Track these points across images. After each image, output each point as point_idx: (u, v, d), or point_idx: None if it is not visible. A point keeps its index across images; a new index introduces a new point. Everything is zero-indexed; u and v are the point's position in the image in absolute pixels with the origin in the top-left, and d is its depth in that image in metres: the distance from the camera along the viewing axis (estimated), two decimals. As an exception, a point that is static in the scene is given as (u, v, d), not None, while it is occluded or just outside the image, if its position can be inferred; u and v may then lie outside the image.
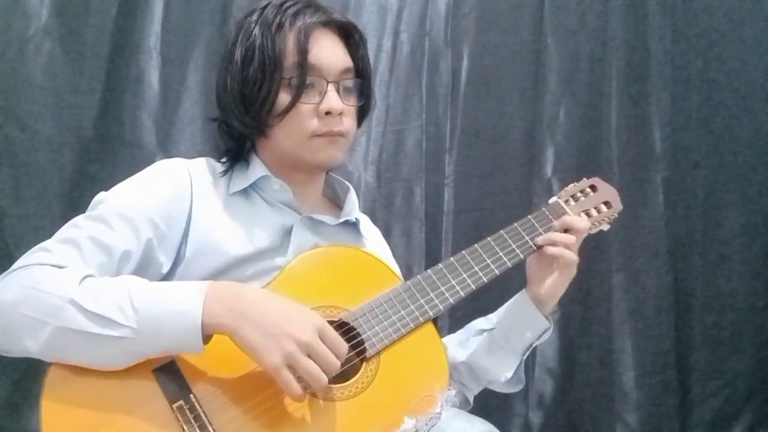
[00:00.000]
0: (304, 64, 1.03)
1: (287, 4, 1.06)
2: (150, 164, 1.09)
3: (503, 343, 1.16)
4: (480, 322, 1.22)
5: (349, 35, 1.11)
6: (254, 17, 1.07)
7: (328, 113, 1.05)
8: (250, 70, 1.04)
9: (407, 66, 1.98)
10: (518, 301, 1.18)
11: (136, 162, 1.69)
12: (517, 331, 1.16)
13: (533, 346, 1.17)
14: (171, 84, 1.83)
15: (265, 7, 1.07)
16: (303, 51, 1.03)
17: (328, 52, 1.06)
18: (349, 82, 1.09)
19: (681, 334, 1.96)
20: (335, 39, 1.09)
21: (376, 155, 1.96)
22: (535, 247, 1.13)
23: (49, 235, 0.96)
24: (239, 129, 1.08)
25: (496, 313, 1.21)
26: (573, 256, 1.12)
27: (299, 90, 1.03)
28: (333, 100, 1.05)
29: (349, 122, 1.09)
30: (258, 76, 1.03)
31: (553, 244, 1.12)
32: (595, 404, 1.95)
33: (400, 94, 1.97)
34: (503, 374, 1.15)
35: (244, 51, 1.05)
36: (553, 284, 1.13)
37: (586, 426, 1.94)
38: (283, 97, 1.04)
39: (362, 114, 1.16)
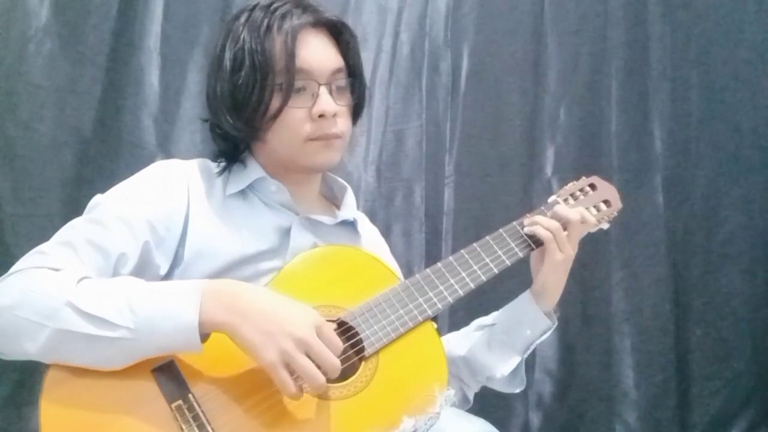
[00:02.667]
0: (291, 68, 1.01)
1: (275, 5, 1.05)
2: (150, 164, 1.08)
3: (503, 339, 1.16)
4: (481, 319, 1.22)
5: (339, 33, 1.09)
6: (242, 20, 1.05)
7: (321, 116, 1.04)
8: (240, 75, 1.02)
9: (407, 66, 1.98)
10: (520, 299, 1.18)
11: (136, 162, 1.69)
12: (516, 328, 1.15)
13: (534, 344, 1.17)
14: (171, 84, 1.83)
15: (252, 9, 1.06)
16: (291, 55, 1.01)
17: (318, 54, 1.05)
18: (342, 82, 1.08)
19: (681, 333, 1.96)
20: (325, 39, 1.07)
21: (376, 155, 1.96)
22: (534, 246, 1.13)
23: (50, 236, 0.96)
24: (232, 134, 1.07)
25: (501, 310, 1.21)
26: (556, 247, 1.11)
27: (287, 95, 1.02)
28: (325, 102, 1.03)
29: (343, 123, 1.08)
30: (249, 81, 1.02)
31: (539, 227, 1.11)
32: (595, 404, 1.95)
33: (400, 94, 1.97)
34: (501, 370, 1.15)
35: (233, 56, 1.04)
36: (547, 278, 1.13)
37: (586, 426, 1.94)
38: (275, 102, 1.03)
39: (356, 112, 1.14)
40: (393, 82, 1.97)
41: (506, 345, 1.16)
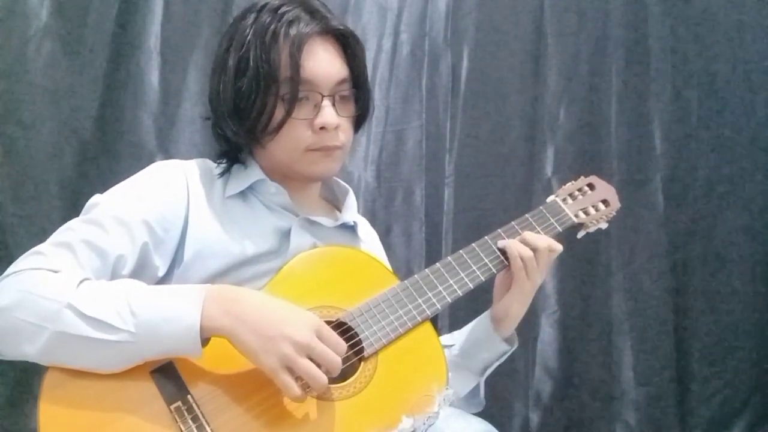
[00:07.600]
0: (296, 79, 1.00)
1: (283, 9, 1.03)
2: (150, 164, 1.08)
3: (459, 361, 1.14)
4: (444, 338, 1.19)
5: (347, 42, 1.07)
6: (249, 21, 1.03)
7: (323, 128, 1.03)
8: (243, 81, 1.01)
9: (407, 66, 1.97)
10: (479, 323, 1.16)
11: (136, 162, 1.69)
12: (474, 351, 1.14)
13: (493, 366, 1.15)
14: (171, 84, 1.82)
15: (260, 10, 1.04)
16: (295, 66, 1.00)
17: (323, 65, 1.03)
18: (345, 92, 1.06)
19: (681, 334, 1.96)
20: (331, 48, 1.05)
21: (376, 155, 1.96)
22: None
23: (49, 236, 0.95)
24: (233, 139, 1.07)
25: (461, 330, 1.19)
26: (525, 275, 1.08)
27: (291, 106, 1.01)
28: (328, 115, 1.02)
29: (345, 133, 1.07)
30: (252, 89, 1.01)
31: (514, 252, 1.08)
32: (595, 404, 1.95)
33: (400, 94, 1.97)
34: (457, 391, 1.11)
35: (238, 60, 1.02)
36: (512, 305, 1.10)
37: (586, 426, 1.94)
38: (278, 113, 1.02)
39: (359, 121, 1.13)
40: (393, 82, 1.97)
41: (463, 367, 1.14)
